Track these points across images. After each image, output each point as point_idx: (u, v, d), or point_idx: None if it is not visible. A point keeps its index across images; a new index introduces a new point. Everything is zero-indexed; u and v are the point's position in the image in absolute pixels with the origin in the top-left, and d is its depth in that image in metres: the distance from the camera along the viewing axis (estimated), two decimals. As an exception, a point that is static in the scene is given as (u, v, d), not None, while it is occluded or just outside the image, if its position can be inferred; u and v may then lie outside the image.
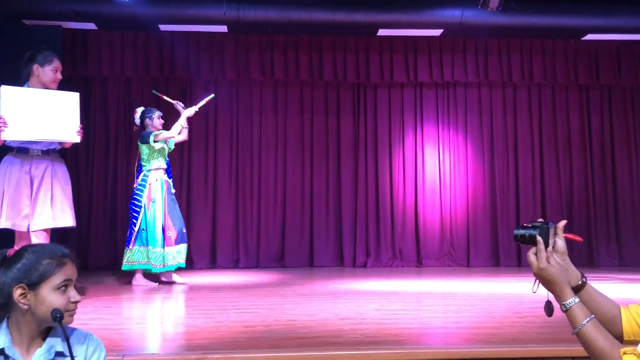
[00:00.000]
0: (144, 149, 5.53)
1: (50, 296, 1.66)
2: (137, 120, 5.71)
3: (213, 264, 7.27)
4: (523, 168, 7.59)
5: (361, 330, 3.27)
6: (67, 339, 1.65)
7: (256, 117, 7.49)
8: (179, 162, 7.30)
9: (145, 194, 5.38)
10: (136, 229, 5.31)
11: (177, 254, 5.47)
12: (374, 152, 7.51)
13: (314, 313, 3.85)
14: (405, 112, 7.58)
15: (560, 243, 1.48)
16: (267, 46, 7.24)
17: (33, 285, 1.65)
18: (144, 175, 5.47)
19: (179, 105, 5.75)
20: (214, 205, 7.37)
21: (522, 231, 1.46)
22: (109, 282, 5.63)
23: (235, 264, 7.29)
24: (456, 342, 2.97)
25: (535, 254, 1.45)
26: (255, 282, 5.81)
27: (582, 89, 7.67)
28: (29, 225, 3.83)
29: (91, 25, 6.68)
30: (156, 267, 5.32)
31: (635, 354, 1.30)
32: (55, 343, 1.74)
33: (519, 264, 7.38)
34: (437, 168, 7.56)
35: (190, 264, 7.17)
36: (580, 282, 1.45)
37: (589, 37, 6.94)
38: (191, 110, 5.82)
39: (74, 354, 1.72)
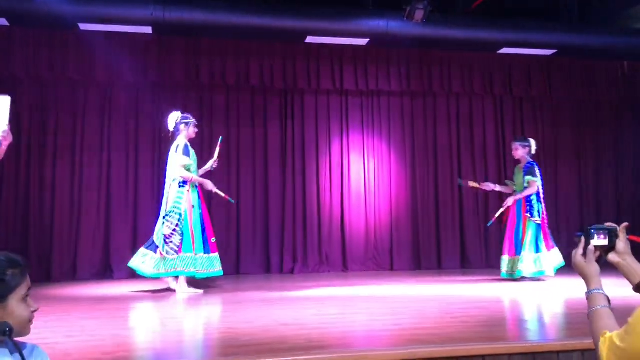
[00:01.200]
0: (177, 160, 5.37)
1: (18, 308, 1.58)
2: (171, 125, 5.50)
3: (134, 274, 6.97)
4: (442, 174, 7.90)
5: (304, 335, 3.26)
6: (20, 352, 1.56)
7: (180, 122, 7.30)
8: (98, 166, 6.99)
9: (184, 200, 5.28)
10: (179, 236, 5.22)
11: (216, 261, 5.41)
12: (302, 158, 7.54)
13: (252, 320, 3.80)
14: (331, 119, 7.68)
15: (621, 244, 1.61)
16: (193, 49, 7.10)
17: (2, 298, 1.55)
18: (183, 184, 5.34)
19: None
20: (134, 212, 7.11)
21: (579, 233, 1.67)
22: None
23: (158, 273, 7.05)
24: (401, 344, 3.03)
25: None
26: (183, 291, 5.64)
27: (496, 99, 8.11)
28: None
29: (2, 21, 6.26)
30: (201, 272, 5.25)
31: (606, 337, 1.40)
32: (4, 355, 1.64)
33: (439, 267, 7.68)
34: (362, 175, 7.72)
35: (110, 274, 6.89)
36: None
37: (504, 50, 7.35)
38: (209, 166, 5.71)
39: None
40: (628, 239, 1.62)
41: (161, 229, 5.29)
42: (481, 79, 7.81)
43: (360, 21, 6.64)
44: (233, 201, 6.08)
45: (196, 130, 5.63)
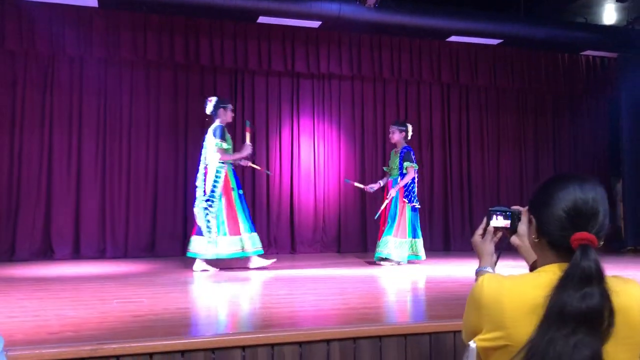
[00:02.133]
0: (215, 143, 5.47)
1: None
2: (209, 109, 5.52)
3: (76, 254, 6.84)
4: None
5: (255, 315, 3.28)
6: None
7: (126, 99, 7.14)
8: (39, 142, 6.75)
9: (220, 185, 5.41)
10: (219, 219, 5.36)
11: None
12: (251, 140, 7.48)
13: (200, 301, 3.79)
14: (282, 101, 7.66)
15: (522, 227, 1.63)
16: (141, 25, 6.91)
17: None
18: (219, 170, 5.45)
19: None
20: (77, 190, 6.92)
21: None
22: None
23: (101, 254, 6.92)
24: (349, 322, 3.10)
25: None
26: (128, 272, 5.55)
27: (443, 86, 8.29)
28: None
29: None
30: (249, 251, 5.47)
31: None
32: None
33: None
34: (311, 157, 7.75)
35: (51, 254, 6.70)
36: (536, 262, 1.61)
37: (452, 38, 7.50)
38: (246, 160, 5.87)
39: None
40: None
41: (202, 212, 5.40)
42: (429, 66, 7.95)
43: (314, 3, 6.62)
44: (269, 173, 6.18)
45: (232, 114, 5.71)
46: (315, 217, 7.68)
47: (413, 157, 6.19)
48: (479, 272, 1.62)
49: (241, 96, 7.50)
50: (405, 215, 6.05)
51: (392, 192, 6.08)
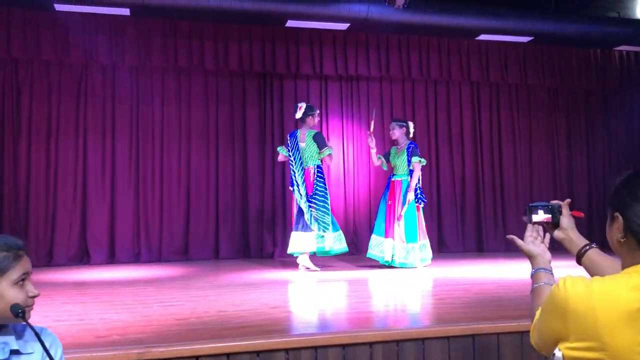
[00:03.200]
0: (317, 148, 5.83)
1: (9, 291, 1.55)
2: (299, 115, 5.84)
3: (112, 259, 6.94)
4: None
5: (297, 317, 3.30)
6: (37, 335, 1.55)
7: (158, 105, 7.23)
8: (74, 149, 6.88)
9: (325, 183, 5.83)
10: (330, 215, 5.71)
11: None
12: (281, 142, 7.51)
13: (240, 303, 3.82)
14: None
15: (564, 220, 1.62)
16: (171, 32, 7.00)
17: None
18: (320, 168, 5.85)
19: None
20: (112, 196, 7.02)
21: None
22: None
23: (136, 258, 7.01)
24: (391, 324, 3.10)
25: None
26: (164, 276, 5.63)
27: (473, 85, 8.21)
28: None
29: (-27, 0, 6.08)
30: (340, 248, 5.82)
31: (537, 313, 1.35)
32: (9, 341, 1.62)
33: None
34: (341, 159, 7.75)
35: (87, 259, 6.82)
36: (582, 251, 1.58)
37: (481, 37, 7.43)
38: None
39: (30, 350, 1.64)
40: (571, 215, 1.62)
41: (309, 211, 5.67)
42: (458, 65, 7.89)
43: (342, 5, 6.62)
44: (374, 113, 6.47)
45: (318, 118, 6.12)
46: (345, 219, 7.67)
47: (418, 152, 6.06)
48: (534, 275, 1.53)
49: (270, 100, 7.54)
50: (420, 217, 5.98)
51: (410, 197, 5.87)
